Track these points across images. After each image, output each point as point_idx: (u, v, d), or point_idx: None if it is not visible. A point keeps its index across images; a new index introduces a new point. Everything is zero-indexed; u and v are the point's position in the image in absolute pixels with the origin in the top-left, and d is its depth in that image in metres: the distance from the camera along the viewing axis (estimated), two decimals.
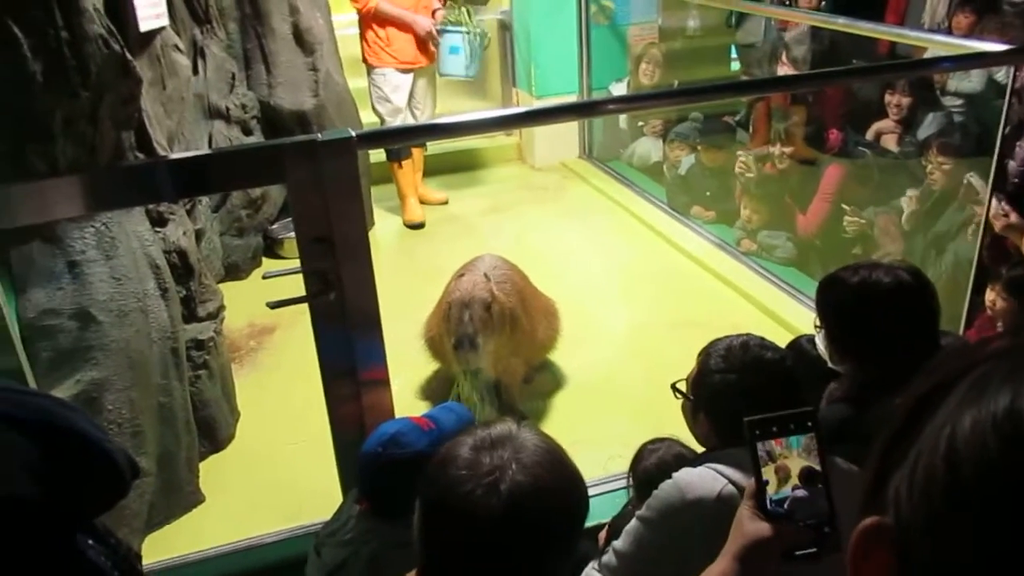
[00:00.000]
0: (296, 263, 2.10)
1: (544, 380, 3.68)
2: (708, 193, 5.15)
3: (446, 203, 5.67)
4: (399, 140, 4.23)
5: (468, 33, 5.35)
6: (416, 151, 5.54)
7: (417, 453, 1.76)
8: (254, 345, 4.02)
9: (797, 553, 1.05)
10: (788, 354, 1.74)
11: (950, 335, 2.04)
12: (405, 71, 5.17)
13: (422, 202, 5.57)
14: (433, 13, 5.20)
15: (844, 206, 4.20)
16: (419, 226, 5.39)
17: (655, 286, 4.51)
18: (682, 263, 4.77)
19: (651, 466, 2.09)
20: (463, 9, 5.43)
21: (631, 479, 2.15)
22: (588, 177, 6.07)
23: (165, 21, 3.41)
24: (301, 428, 3.26)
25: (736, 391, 1.67)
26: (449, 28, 5.33)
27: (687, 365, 1.88)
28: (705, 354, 1.77)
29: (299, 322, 2.22)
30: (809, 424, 1.07)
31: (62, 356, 2.43)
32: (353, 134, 2.01)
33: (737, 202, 4.88)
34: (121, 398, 2.54)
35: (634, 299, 4.39)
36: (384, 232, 5.35)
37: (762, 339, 1.76)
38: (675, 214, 5.27)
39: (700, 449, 1.86)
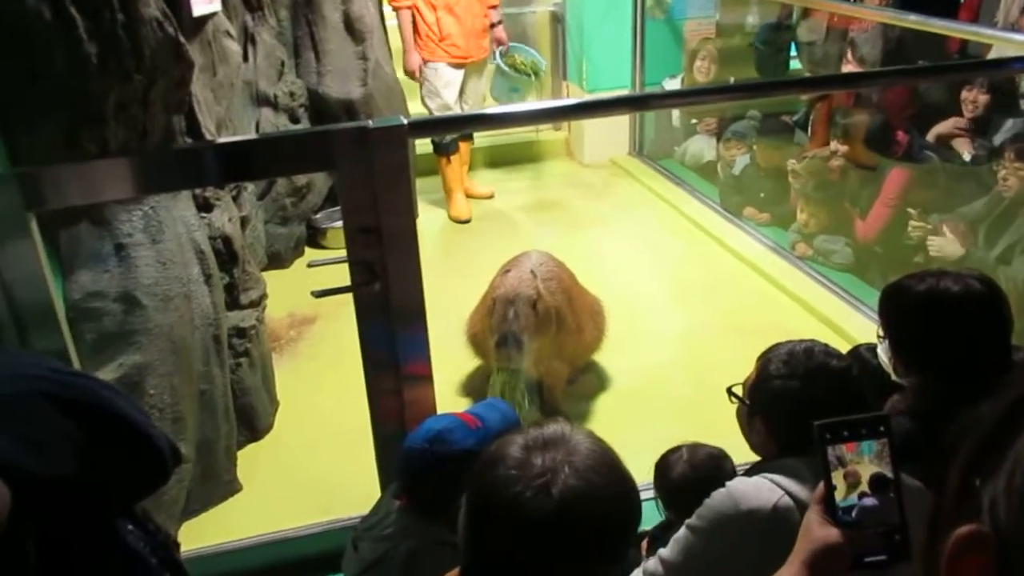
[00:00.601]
0: (340, 253, 2.11)
1: (588, 382, 3.64)
2: (762, 195, 5.07)
3: (492, 197, 5.66)
4: (450, 129, 4.23)
5: (531, 77, 5.37)
6: (463, 145, 5.54)
7: (464, 451, 1.76)
8: (294, 335, 4.05)
9: (867, 560, 1.04)
10: (854, 363, 1.70)
11: (1022, 350, 1.97)
12: (457, 66, 5.18)
13: (468, 196, 5.57)
14: (492, 7, 5.22)
15: (910, 210, 4.09)
16: (465, 222, 5.39)
17: (705, 289, 4.45)
18: (734, 266, 4.70)
19: (683, 473, 2.06)
20: (531, 60, 5.41)
21: (659, 493, 2.11)
22: (638, 175, 6.02)
23: (218, 6, 3.44)
24: (339, 420, 3.27)
25: (798, 398, 1.63)
26: (516, 72, 5.35)
27: (737, 372, 1.83)
28: (765, 359, 1.73)
29: (340, 314, 2.23)
30: (882, 429, 1.05)
31: (106, 339, 2.47)
32: (404, 121, 2.01)
33: (793, 205, 4.80)
34: (163, 383, 2.57)
35: (683, 302, 4.34)
36: (428, 225, 5.36)
37: (827, 346, 1.72)
38: (728, 215, 5.20)
39: (743, 456, 1.82)
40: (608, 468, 1.17)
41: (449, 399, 3.33)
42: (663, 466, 2.12)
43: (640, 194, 5.78)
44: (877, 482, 1.04)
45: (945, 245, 3.97)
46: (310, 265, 2.32)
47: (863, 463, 1.05)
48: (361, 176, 1.99)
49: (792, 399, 1.64)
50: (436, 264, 4.79)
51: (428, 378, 2.26)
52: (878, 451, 1.05)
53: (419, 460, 1.80)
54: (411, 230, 2.08)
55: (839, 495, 1.05)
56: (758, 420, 1.72)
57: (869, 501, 1.04)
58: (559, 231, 5.15)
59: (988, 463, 0.49)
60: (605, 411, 3.48)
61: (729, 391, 1.80)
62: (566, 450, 1.17)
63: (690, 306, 4.28)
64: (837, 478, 1.05)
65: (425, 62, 5.14)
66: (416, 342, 2.20)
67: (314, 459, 3.19)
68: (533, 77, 5.41)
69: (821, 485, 1.06)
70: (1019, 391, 0.49)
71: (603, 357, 3.70)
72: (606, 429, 3.45)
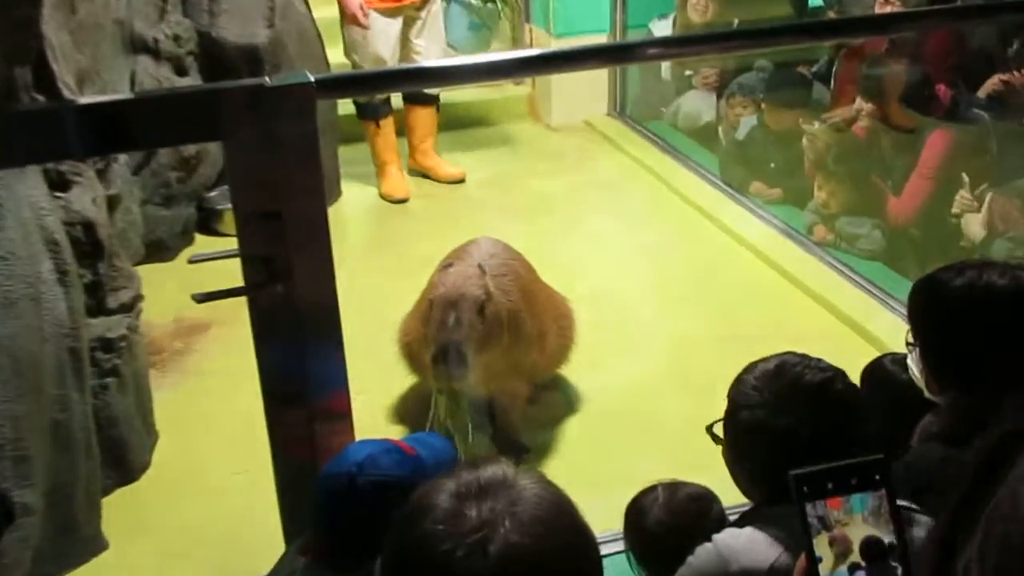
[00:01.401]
0: (234, 243, 2.10)
1: (551, 403, 3.66)
2: (773, 165, 5.13)
3: (463, 181, 5.65)
4: (371, 87, 4.19)
5: (496, 5, 5.33)
6: (425, 112, 5.55)
7: (398, 480, 1.79)
8: (181, 347, 4.02)
9: None
10: (838, 374, 1.72)
11: None
12: (391, 12, 5.16)
13: (433, 178, 5.61)
14: None
15: (964, 176, 4.14)
16: (400, 202, 5.40)
17: (701, 284, 4.49)
18: (736, 255, 4.75)
19: (659, 519, 2.07)
20: None
21: (629, 545, 2.14)
22: (619, 141, 6.05)
23: None
24: (239, 456, 3.26)
25: (770, 430, 1.66)
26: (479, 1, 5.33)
27: None
28: (736, 384, 1.76)
29: (241, 318, 2.22)
30: (878, 478, 1.04)
31: None
32: (312, 79, 2.00)
33: (809, 178, 4.86)
34: (1, 412, 2.53)
35: (672, 301, 4.37)
36: (353, 207, 5.35)
37: (804, 357, 1.74)
38: (729, 191, 5.24)
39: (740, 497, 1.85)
40: (560, 519, 1.18)
41: (375, 428, 3.31)
42: (635, 511, 2.14)
43: (621, 165, 5.80)
44: (872, 548, 1.01)
45: (969, 223, 4.05)
46: (191, 261, 2.30)
47: (854, 524, 1.02)
48: (256, 148, 1.97)
49: (764, 432, 1.67)
50: (361, 256, 4.78)
51: (345, 402, 2.25)
52: (873, 507, 1.03)
53: (343, 490, 1.83)
54: (321, 216, 2.07)
55: (824, 568, 1.02)
56: (738, 461, 1.74)
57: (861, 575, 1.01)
58: (517, 213, 5.17)
59: (965, 521, 0.50)
60: (573, 440, 3.51)
61: (709, 431, 1.82)
62: (508, 498, 1.17)
63: (681, 306, 4.31)
64: (821, 545, 1.03)
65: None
66: (330, 357, 2.19)
67: (203, 506, 3.18)
68: (500, 5, 5.36)
69: (802, 557, 1.05)
70: (997, 436, 0.50)
71: (571, 371, 3.72)
72: (576, 463, 3.42)
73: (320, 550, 1.89)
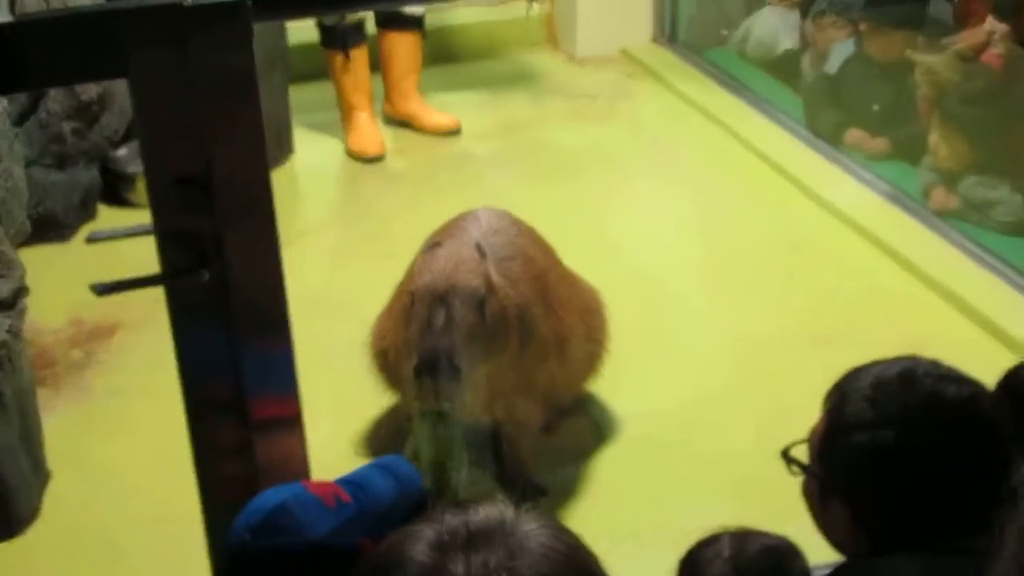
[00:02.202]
0: (148, 216, 2.11)
1: (576, 431, 3.69)
2: (876, 107, 5.13)
3: (458, 132, 5.69)
4: (331, 5, 4.15)
5: None
6: (408, 38, 5.56)
7: (308, 545, 1.77)
8: (80, 357, 4.05)
9: None
10: (984, 391, 1.74)
11: None
12: None
13: (416, 128, 5.63)
14: None
15: None
16: (373, 160, 5.43)
17: (778, 268, 4.51)
18: (827, 228, 4.76)
19: None
20: None
21: None
22: (667, 77, 6.05)
23: None
24: (156, 501, 3.28)
25: (895, 458, 1.69)
26: None
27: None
28: (838, 395, 1.77)
29: (157, 318, 2.24)
30: None
31: None
32: None
33: (925, 124, 4.86)
34: None
35: (740, 291, 4.38)
36: (309, 168, 5.37)
37: (935, 364, 1.76)
38: (817, 143, 5.26)
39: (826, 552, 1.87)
40: (575, 574, 1.20)
41: (338, 463, 3.30)
42: (692, 565, 2.16)
43: (670, 108, 5.80)
44: None
45: None
46: (91, 240, 2.32)
47: None
48: (175, 89, 1.98)
49: (886, 460, 1.70)
50: (318, 234, 4.78)
51: (296, 426, 2.26)
52: None
53: (236, 562, 1.82)
54: (262, 180, 2.07)
55: None
56: (836, 500, 1.76)
57: None
58: (529, 175, 5.18)
59: None
60: (605, 479, 3.52)
61: (785, 455, 1.84)
62: (506, 549, 1.19)
63: (750, 298, 4.33)
64: None
65: None
66: (275, 367, 2.20)
67: (108, 569, 3.19)
68: None
69: None
70: None
71: (602, 388, 3.74)
72: (606, 509, 3.45)
73: None
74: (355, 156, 5.46)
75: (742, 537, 2.17)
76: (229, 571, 1.86)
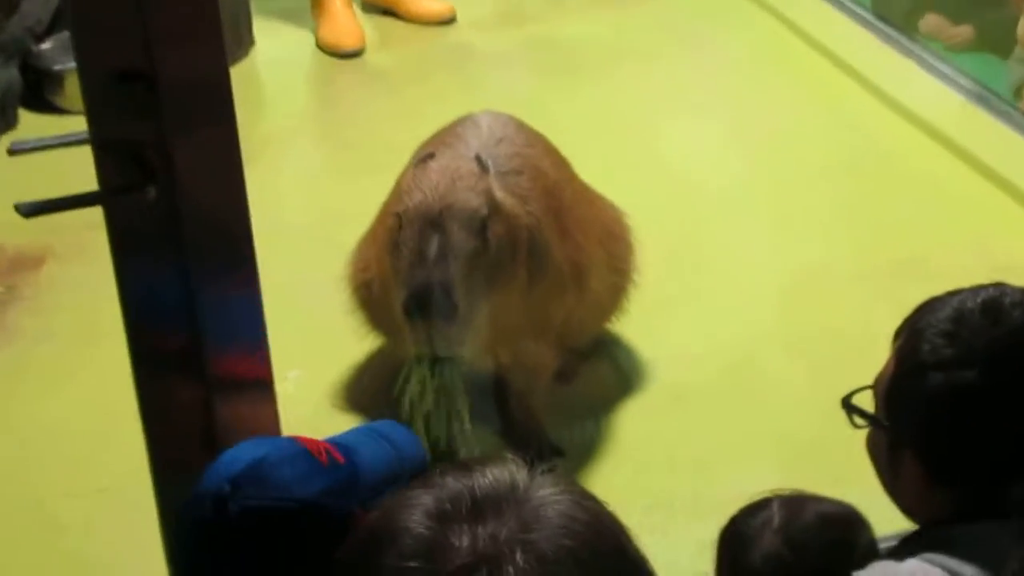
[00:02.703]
0: (81, 123, 2.10)
1: (598, 380, 3.71)
2: None
3: (453, 21, 5.67)
4: None
5: None
6: None
7: (299, 504, 1.77)
8: (0, 292, 4.06)
9: None
10: None
11: None
12: None
13: (402, 17, 5.62)
14: None
15: None
16: (351, 56, 5.42)
17: (837, 184, 4.51)
18: (897, 134, 4.75)
19: (771, 550, 2.10)
20: None
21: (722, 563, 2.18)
22: None
23: None
24: (95, 465, 3.30)
25: (980, 401, 1.71)
26: None
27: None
28: (910, 331, 1.78)
29: (93, 245, 2.23)
30: None
31: None
32: None
33: (1017, 8, 4.82)
34: None
35: (791, 212, 4.39)
36: (274, 65, 5.37)
37: None
38: (886, 30, 5.23)
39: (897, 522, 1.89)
40: (601, 550, 1.20)
41: (314, 421, 3.35)
42: (734, 540, 2.17)
43: None
44: None
45: None
46: (12, 151, 2.32)
47: None
48: None
49: (967, 405, 1.71)
50: (286, 144, 4.78)
51: (265, 376, 2.27)
52: None
53: (207, 523, 1.82)
54: (219, 79, 2.07)
55: None
56: (907, 455, 1.77)
57: None
58: (540, 73, 5.17)
59: None
60: (630, 436, 3.54)
61: (847, 403, 1.84)
62: (519, 519, 1.19)
63: (803, 220, 4.33)
64: None
65: None
66: (237, 303, 2.20)
67: (42, 543, 3.19)
68: None
69: None
70: None
71: (628, 329, 3.75)
72: (632, 471, 3.45)
73: None
74: (328, 50, 5.43)
75: (795, 503, 2.18)
76: (197, 534, 1.85)
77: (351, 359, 3.68)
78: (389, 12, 5.67)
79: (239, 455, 1.85)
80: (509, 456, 1.29)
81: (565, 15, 5.68)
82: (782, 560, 2.11)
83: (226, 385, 2.26)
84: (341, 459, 1.87)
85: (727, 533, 2.21)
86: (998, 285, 1.82)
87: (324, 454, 1.86)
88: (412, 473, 1.89)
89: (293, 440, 1.90)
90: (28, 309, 4.00)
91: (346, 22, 5.46)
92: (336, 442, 1.94)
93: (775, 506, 2.17)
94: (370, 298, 3.38)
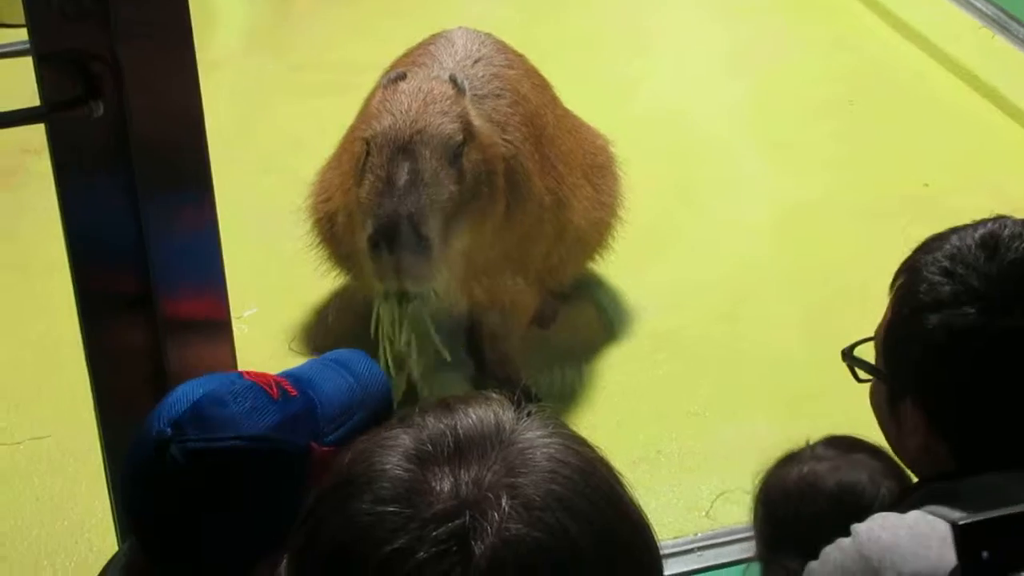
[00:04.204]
0: (21, 34, 2.08)
1: (581, 323, 3.72)
2: None
3: None
4: None
5: None
6: None
7: (248, 441, 1.79)
8: None
9: None
10: None
11: None
12: None
13: None
14: None
15: None
16: None
17: (846, 116, 4.52)
18: (909, 62, 4.78)
19: (791, 488, 2.12)
20: None
21: (757, 516, 2.20)
22: None
23: None
24: (32, 413, 3.28)
25: (983, 341, 1.72)
26: None
27: None
28: (908, 270, 1.81)
29: (36, 169, 2.21)
30: None
31: None
32: None
33: None
34: None
35: (796, 145, 4.40)
36: None
37: None
38: None
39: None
40: (593, 495, 1.20)
41: (271, 363, 3.28)
42: (768, 476, 2.19)
43: None
44: None
45: None
46: None
47: None
48: None
49: (967, 347, 1.72)
50: (244, 59, 4.80)
51: (221, 313, 2.28)
52: None
53: (148, 468, 1.83)
54: None
55: None
56: (908, 404, 1.80)
57: None
58: None
59: None
60: (615, 385, 3.55)
61: (849, 356, 1.88)
62: (504, 461, 1.19)
63: (809, 155, 4.35)
64: None
65: None
66: (191, 232, 2.20)
67: None
68: None
69: None
70: None
71: (613, 268, 3.76)
72: (615, 424, 3.47)
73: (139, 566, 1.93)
74: None
75: (815, 448, 2.18)
76: (139, 481, 1.86)
77: (312, 297, 3.69)
78: None
79: (181, 395, 1.86)
80: (494, 395, 1.29)
81: None
82: (814, 492, 2.11)
83: (178, 324, 2.26)
84: (293, 392, 1.88)
85: (766, 475, 2.21)
86: (998, 218, 1.81)
87: (275, 387, 1.87)
88: (375, 405, 1.95)
89: (240, 375, 1.91)
90: None
91: None
92: (289, 374, 1.95)
93: (801, 454, 2.18)
94: (333, 231, 3.37)
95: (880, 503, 2.09)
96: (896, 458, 1.96)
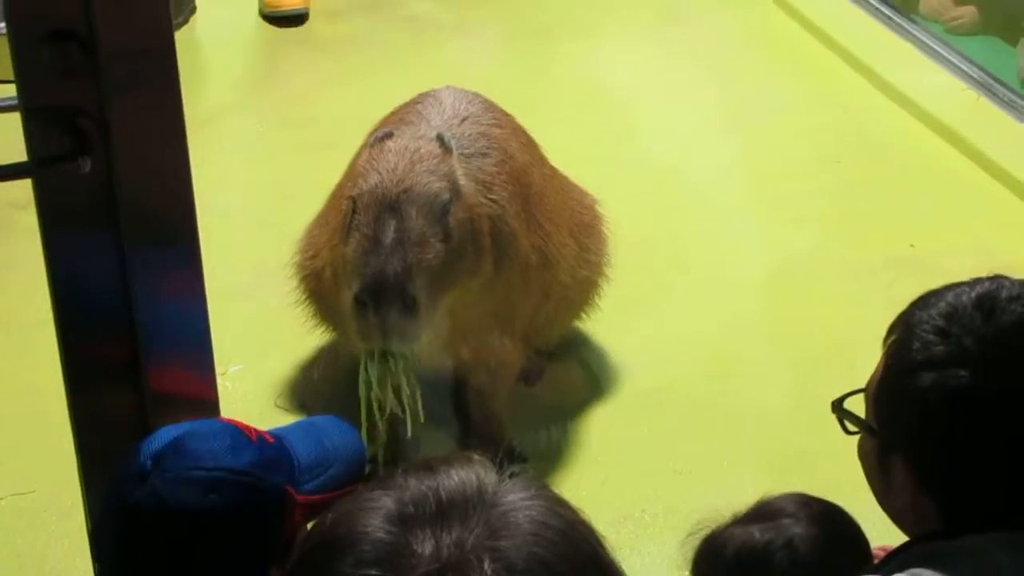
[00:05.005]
0: (9, 90, 2.09)
1: (566, 382, 3.71)
2: None
3: None
4: None
5: None
6: None
7: (229, 472, 1.80)
8: None
9: None
10: None
11: None
12: None
13: None
14: None
15: None
16: (293, 19, 5.44)
17: (834, 176, 4.53)
18: (896, 124, 4.77)
19: (743, 547, 2.11)
20: None
21: None
22: None
23: None
24: (19, 467, 3.25)
25: (971, 406, 1.72)
26: None
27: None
28: (902, 328, 1.82)
29: (14, 226, 2.21)
30: None
31: None
32: None
33: None
34: None
35: (780, 202, 4.39)
36: (216, 33, 5.38)
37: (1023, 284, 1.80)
38: (884, 11, 5.26)
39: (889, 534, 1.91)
40: (574, 558, 1.21)
41: (256, 420, 3.25)
42: (706, 543, 2.20)
43: None
44: None
45: None
46: None
47: None
48: None
49: (959, 407, 1.73)
50: (231, 118, 4.78)
51: (205, 371, 2.27)
52: None
53: (130, 500, 1.84)
54: (163, 40, 2.06)
55: None
56: (897, 460, 1.80)
57: None
58: (507, 44, 5.19)
59: None
60: (601, 444, 3.54)
61: (838, 405, 1.88)
62: (487, 523, 1.20)
63: (798, 213, 4.34)
64: None
65: None
66: (178, 290, 2.20)
67: None
68: None
69: None
70: None
71: (599, 326, 3.76)
72: (600, 482, 3.45)
73: None
74: (271, 10, 5.47)
75: (801, 502, 2.17)
76: (122, 518, 1.86)
77: (298, 353, 3.68)
78: None
79: (162, 434, 1.90)
80: (476, 456, 1.29)
81: None
82: (749, 553, 2.10)
83: (160, 378, 2.24)
84: (270, 439, 1.91)
85: (708, 538, 2.21)
86: (995, 278, 1.83)
87: (252, 432, 1.90)
88: (347, 460, 1.98)
89: (217, 419, 1.96)
90: None
91: None
92: (268, 430, 1.98)
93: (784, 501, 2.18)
94: (319, 288, 3.37)
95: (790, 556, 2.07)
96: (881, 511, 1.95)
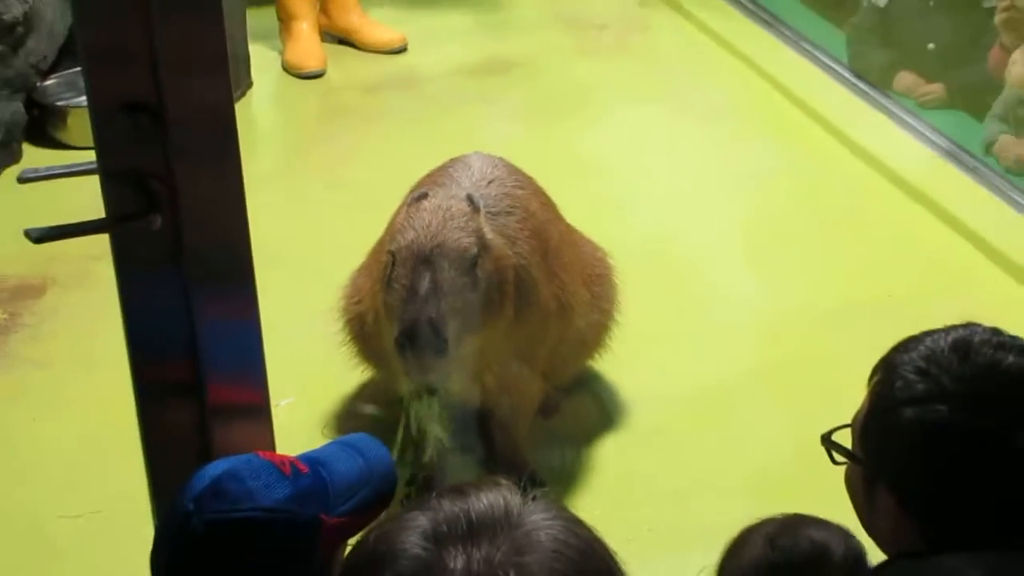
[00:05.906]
0: (88, 155, 2.10)
1: (581, 415, 3.71)
2: (932, 46, 5.12)
3: (404, 51, 5.76)
4: None
5: None
6: None
7: (261, 512, 1.78)
8: (2, 319, 4.03)
9: None
10: None
11: None
12: None
13: (361, 45, 5.72)
14: None
15: None
16: (314, 76, 5.54)
17: (816, 234, 4.51)
18: (872, 188, 4.76)
19: (758, 558, 2.10)
20: None
21: None
22: (687, 5, 6.06)
23: None
24: (91, 489, 3.27)
25: (951, 436, 1.72)
26: None
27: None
28: (885, 368, 1.82)
29: (96, 274, 2.21)
30: None
31: None
32: None
33: (995, 66, 4.84)
34: None
35: (772, 258, 4.39)
36: (270, 104, 5.42)
37: (998, 332, 1.82)
38: (863, 87, 5.27)
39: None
40: (592, 574, 1.20)
41: (306, 447, 3.26)
42: (735, 548, 2.19)
43: (691, 42, 5.82)
44: None
45: None
46: (22, 180, 2.31)
47: None
48: (122, 1, 1.98)
49: (938, 440, 1.73)
50: (284, 179, 4.80)
51: (261, 401, 2.27)
52: None
53: (176, 539, 1.82)
54: (225, 107, 2.06)
55: None
56: (882, 489, 1.80)
57: None
58: (529, 117, 5.18)
59: None
60: (611, 470, 3.54)
61: (827, 440, 1.87)
62: (512, 542, 1.20)
63: (784, 268, 4.34)
64: None
65: None
66: (238, 331, 2.21)
67: (38, 565, 3.16)
68: None
69: None
70: None
71: (610, 365, 3.76)
72: (610, 504, 3.43)
73: None
74: (293, 71, 5.56)
75: (792, 522, 2.17)
76: (169, 553, 1.86)
77: (343, 389, 3.69)
78: (344, 41, 5.83)
79: (204, 474, 1.87)
80: (503, 481, 1.30)
81: (553, 62, 5.74)
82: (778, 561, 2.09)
83: (223, 410, 2.25)
84: (304, 469, 1.89)
85: (732, 543, 2.20)
86: (968, 325, 1.85)
87: (287, 466, 1.89)
88: (380, 483, 1.95)
89: (256, 455, 1.92)
90: (29, 336, 3.99)
91: (306, 46, 5.60)
92: (304, 456, 1.97)
93: (774, 524, 2.17)
94: (362, 330, 3.40)
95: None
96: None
